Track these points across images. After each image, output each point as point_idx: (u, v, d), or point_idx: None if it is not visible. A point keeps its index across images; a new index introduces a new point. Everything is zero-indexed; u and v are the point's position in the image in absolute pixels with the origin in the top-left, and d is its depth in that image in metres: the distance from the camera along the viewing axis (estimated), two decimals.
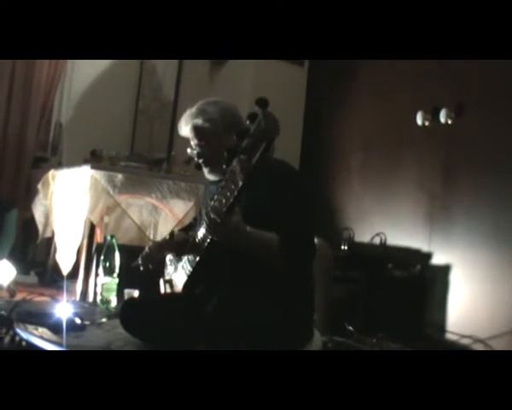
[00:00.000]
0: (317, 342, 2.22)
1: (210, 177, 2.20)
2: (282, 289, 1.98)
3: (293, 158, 4.78)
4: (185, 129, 2.19)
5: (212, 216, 1.82)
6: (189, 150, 2.21)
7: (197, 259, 2.11)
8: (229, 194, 1.77)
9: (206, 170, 2.18)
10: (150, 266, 2.37)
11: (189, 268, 2.17)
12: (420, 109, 3.98)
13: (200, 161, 2.17)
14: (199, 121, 2.13)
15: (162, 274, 2.46)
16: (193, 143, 2.18)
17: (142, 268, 2.37)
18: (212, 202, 1.86)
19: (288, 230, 1.93)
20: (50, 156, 4.38)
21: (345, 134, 4.79)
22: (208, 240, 2.00)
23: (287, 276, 1.98)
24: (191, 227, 2.43)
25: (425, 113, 3.96)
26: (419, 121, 3.98)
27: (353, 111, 4.71)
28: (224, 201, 1.80)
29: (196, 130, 2.15)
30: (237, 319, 1.85)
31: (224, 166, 1.77)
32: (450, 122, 3.80)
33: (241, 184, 1.70)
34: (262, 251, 1.92)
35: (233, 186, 1.74)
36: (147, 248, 2.37)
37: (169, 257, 2.44)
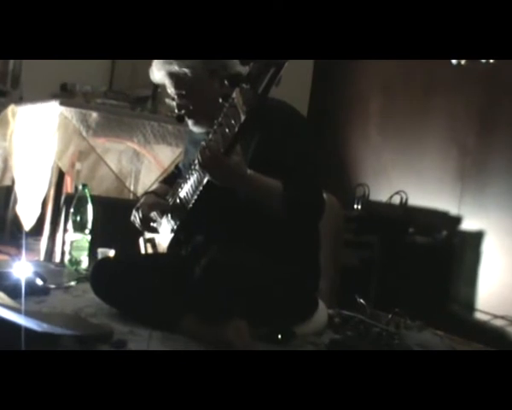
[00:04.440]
0: (323, 315, 2.23)
1: (195, 129, 2.18)
2: (282, 250, 1.99)
3: (301, 101, 4.73)
4: (158, 75, 2.14)
5: (209, 155, 1.81)
6: (167, 101, 2.18)
7: (187, 209, 2.11)
8: (228, 130, 1.75)
9: (189, 122, 2.17)
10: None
11: (176, 223, 2.16)
12: None
13: (182, 112, 2.14)
14: (174, 67, 2.08)
15: (141, 232, 2.45)
16: (170, 91, 2.15)
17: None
18: (207, 141, 1.85)
19: (294, 177, 1.92)
20: (10, 89, 4.33)
21: (362, 73, 4.73)
22: (201, 187, 1.99)
23: (288, 233, 1.98)
24: (174, 178, 2.42)
25: None
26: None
27: None
28: (221, 139, 1.79)
29: (172, 78, 2.11)
30: (227, 282, 1.85)
31: (221, 100, 1.75)
32: (491, 61, 3.74)
33: (243, 118, 1.69)
34: (264, 199, 1.93)
35: (233, 121, 1.73)
36: (142, 213, 2.34)
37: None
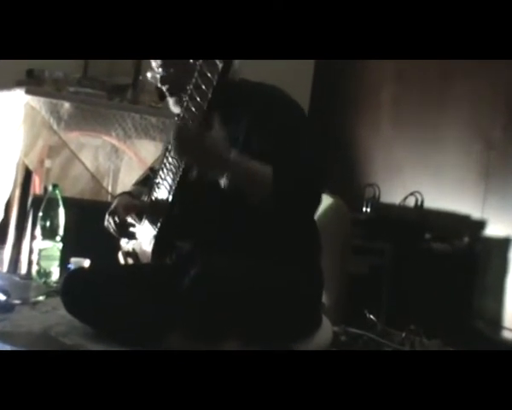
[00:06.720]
0: (327, 332, 2.22)
1: (176, 110, 2.18)
2: (276, 251, 2.01)
3: (302, 90, 4.73)
4: None
5: (183, 134, 1.87)
6: (149, 74, 2.20)
7: (168, 205, 2.13)
8: (199, 99, 1.81)
9: (171, 100, 2.18)
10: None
11: (157, 225, 2.18)
12: None
13: (165, 88, 2.16)
14: None
15: (119, 245, 2.45)
16: (155, 64, 2.18)
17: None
18: (180, 119, 1.93)
19: (283, 165, 1.94)
20: None
21: (371, 60, 4.73)
22: (181, 172, 2.04)
23: (280, 227, 2.01)
24: (149, 180, 2.42)
25: None
26: None
27: None
28: (194, 110, 1.84)
29: None
30: (221, 295, 1.85)
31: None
32: None
33: (216, 79, 1.75)
34: (251, 185, 1.94)
35: (203, 86, 1.78)
36: (117, 217, 2.34)
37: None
